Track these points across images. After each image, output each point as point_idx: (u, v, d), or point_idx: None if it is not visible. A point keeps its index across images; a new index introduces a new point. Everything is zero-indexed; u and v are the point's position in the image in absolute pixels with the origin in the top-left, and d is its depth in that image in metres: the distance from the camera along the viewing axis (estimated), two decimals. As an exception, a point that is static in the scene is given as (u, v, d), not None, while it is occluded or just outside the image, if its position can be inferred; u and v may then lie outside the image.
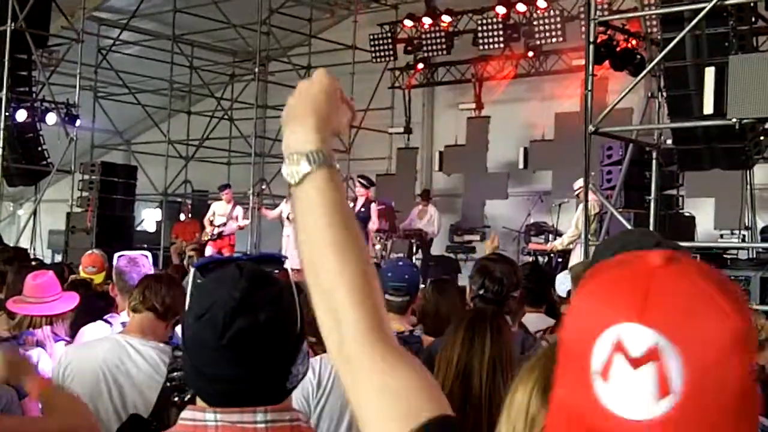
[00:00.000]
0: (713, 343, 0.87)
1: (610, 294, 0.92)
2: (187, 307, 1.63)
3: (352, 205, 13.03)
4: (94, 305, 4.92)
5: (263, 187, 17.85)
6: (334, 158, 1.33)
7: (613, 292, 0.92)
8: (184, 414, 1.57)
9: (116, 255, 4.69)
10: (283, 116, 1.38)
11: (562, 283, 4.92)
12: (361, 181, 12.97)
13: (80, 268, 7.11)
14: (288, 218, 12.63)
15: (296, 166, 1.30)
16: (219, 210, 14.45)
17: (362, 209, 12.79)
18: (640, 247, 1.68)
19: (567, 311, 0.98)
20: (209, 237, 14.17)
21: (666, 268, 0.91)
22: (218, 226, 14.18)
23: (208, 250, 13.36)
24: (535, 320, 4.53)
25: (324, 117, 1.36)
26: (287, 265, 1.71)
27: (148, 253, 4.89)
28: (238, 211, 14.53)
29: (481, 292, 3.65)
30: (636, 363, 0.87)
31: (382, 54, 17.79)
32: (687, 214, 12.06)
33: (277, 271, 1.68)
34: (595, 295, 0.94)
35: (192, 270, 1.68)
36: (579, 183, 11.30)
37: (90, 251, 7.39)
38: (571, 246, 11.82)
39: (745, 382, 0.88)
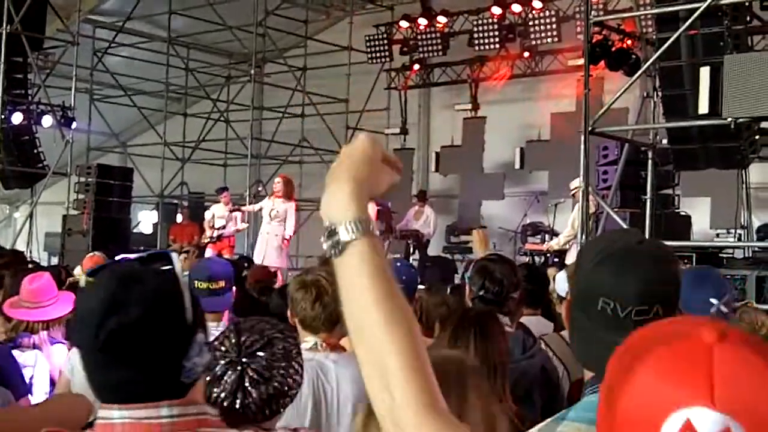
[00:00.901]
0: None
1: (672, 374, 0.93)
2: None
3: None
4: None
5: (260, 188, 17.84)
6: (373, 226, 1.32)
7: (676, 373, 0.93)
8: (99, 413, 1.57)
9: (117, 258, 4.69)
10: (326, 179, 1.37)
11: (563, 281, 4.91)
12: None
13: (79, 269, 7.11)
14: (270, 215, 12.57)
15: (335, 236, 1.29)
16: (218, 212, 14.48)
17: None
18: (625, 245, 1.68)
19: (626, 387, 0.98)
20: (209, 239, 14.20)
21: (722, 344, 0.92)
22: (217, 229, 14.21)
23: (208, 252, 13.36)
24: (533, 323, 4.52)
25: (363, 183, 1.34)
26: (175, 261, 1.65)
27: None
28: (237, 213, 14.55)
29: (481, 293, 3.65)
30: None
31: (378, 55, 17.79)
32: (683, 214, 12.08)
33: (166, 268, 1.64)
34: (656, 374, 0.95)
35: (82, 278, 1.66)
36: (575, 183, 11.31)
37: (92, 253, 7.42)
38: (567, 246, 11.83)
39: None
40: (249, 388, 2.12)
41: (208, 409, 1.62)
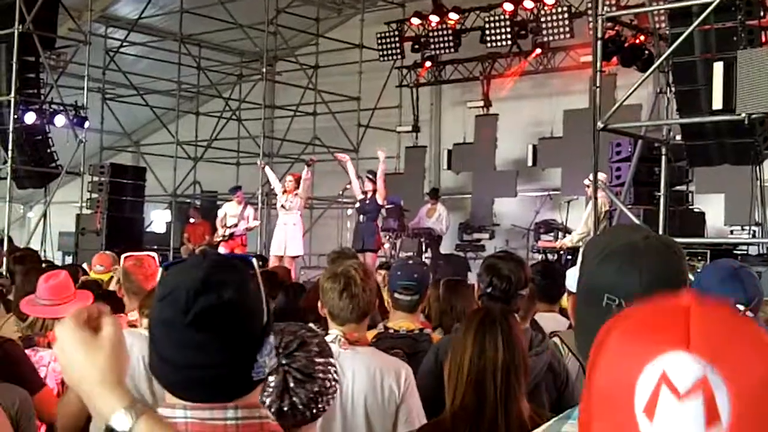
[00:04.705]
0: (757, 373, 0.86)
1: (648, 330, 0.90)
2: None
3: (362, 197, 12.97)
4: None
5: (272, 187, 17.87)
6: (141, 406, 1.35)
7: (652, 329, 0.90)
8: (161, 411, 1.55)
9: (122, 256, 4.72)
10: (68, 381, 1.40)
11: (574, 277, 4.89)
12: (369, 176, 12.97)
13: (86, 266, 7.15)
14: (285, 206, 12.63)
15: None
16: (230, 211, 14.53)
17: (368, 202, 12.75)
18: (629, 240, 1.66)
19: (598, 355, 0.94)
20: (221, 238, 14.24)
21: (700, 305, 0.90)
22: (229, 227, 14.25)
23: (221, 251, 13.41)
24: (548, 320, 4.50)
25: (99, 374, 1.37)
26: (256, 264, 1.68)
27: (155, 254, 4.90)
28: (249, 211, 14.60)
29: (489, 290, 3.63)
30: (684, 394, 0.85)
31: (390, 52, 17.77)
32: (697, 210, 12.03)
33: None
34: (631, 334, 0.91)
35: (160, 269, 1.67)
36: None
37: (101, 251, 7.47)
38: (580, 243, 11.79)
39: None
40: (294, 388, 2.11)
41: (269, 413, 1.63)
